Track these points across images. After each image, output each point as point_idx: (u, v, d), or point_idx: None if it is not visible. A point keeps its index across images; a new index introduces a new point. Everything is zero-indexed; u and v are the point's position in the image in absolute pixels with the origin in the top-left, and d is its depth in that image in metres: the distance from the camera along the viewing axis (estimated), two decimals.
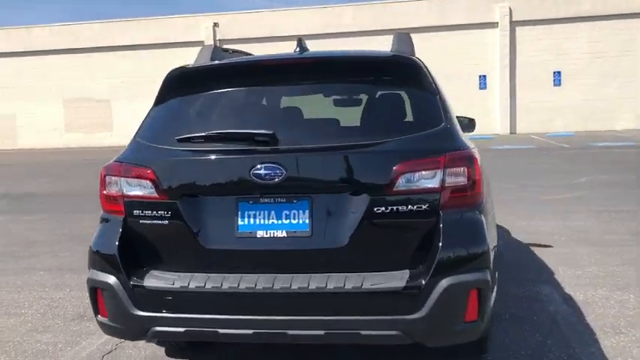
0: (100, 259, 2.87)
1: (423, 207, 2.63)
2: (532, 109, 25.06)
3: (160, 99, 3.12)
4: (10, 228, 8.60)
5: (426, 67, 3.03)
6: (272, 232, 2.70)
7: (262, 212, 2.72)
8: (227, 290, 2.63)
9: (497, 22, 25.17)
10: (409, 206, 2.62)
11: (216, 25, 26.63)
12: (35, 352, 3.87)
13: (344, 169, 2.67)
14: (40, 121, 28.48)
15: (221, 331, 2.67)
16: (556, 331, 3.82)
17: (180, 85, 3.09)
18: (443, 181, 2.64)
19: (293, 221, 2.69)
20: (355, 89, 3.09)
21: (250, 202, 2.73)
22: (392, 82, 2.98)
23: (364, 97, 3.11)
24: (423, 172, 2.64)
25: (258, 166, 2.66)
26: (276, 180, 2.65)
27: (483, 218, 2.73)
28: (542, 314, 4.14)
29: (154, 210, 2.79)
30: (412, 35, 3.28)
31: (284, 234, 2.69)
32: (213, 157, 2.78)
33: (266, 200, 2.72)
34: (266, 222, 2.71)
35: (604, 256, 5.63)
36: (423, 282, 2.56)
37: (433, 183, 2.64)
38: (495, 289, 2.97)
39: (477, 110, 25.08)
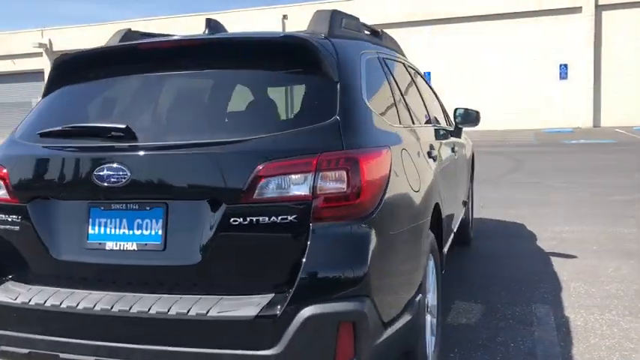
0: None
1: (290, 218, 2.15)
2: (619, 101, 23.12)
3: (46, 89, 2.83)
4: None
5: (333, 49, 2.53)
6: (122, 243, 2.32)
7: (113, 220, 2.35)
8: (66, 310, 2.28)
9: (581, 7, 23.37)
10: (272, 217, 2.16)
11: (285, 17, 26.52)
12: None
13: (199, 171, 2.24)
14: None
15: (62, 355, 2.33)
16: None
17: (63, 73, 2.77)
18: (314, 187, 2.16)
19: (145, 232, 2.30)
20: (238, 76, 2.63)
21: (102, 208, 2.37)
22: (280, 68, 2.50)
23: (246, 86, 2.65)
24: (291, 177, 2.16)
25: (100, 167, 2.29)
26: (121, 183, 2.27)
27: (373, 234, 2.21)
28: (523, 341, 3.51)
29: (6, 214, 2.49)
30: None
31: (134, 247, 2.31)
32: (65, 154, 2.44)
33: (118, 207, 2.34)
34: (117, 232, 2.34)
35: (635, 271, 4.82)
36: (279, 311, 2.09)
37: (302, 190, 2.16)
38: (403, 317, 2.43)
39: (556, 102, 23.58)
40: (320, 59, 2.42)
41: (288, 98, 2.49)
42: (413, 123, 3.41)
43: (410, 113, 3.40)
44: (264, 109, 2.51)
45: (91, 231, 2.36)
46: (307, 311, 2.07)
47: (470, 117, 4.94)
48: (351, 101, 2.43)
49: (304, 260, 2.12)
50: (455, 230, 4.40)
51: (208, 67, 2.54)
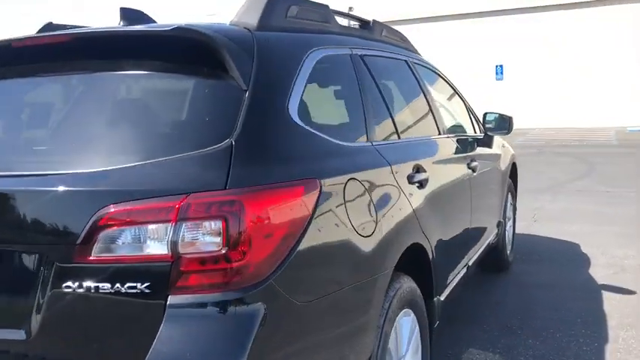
0: None
1: (140, 287, 1.52)
2: None
3: None
4: None
5: (253, 46, 1.88)
6: None
7: None
8: None
9: None
10: (116, 285, 1.53)
11: (350, 9, 25.79)
12: None
13: (28, 214, 1.66)
14: None
15: None
16: None
17: None
18: (175, 243, 1.52)
19: None
20: (111, 82, 1.98)
21: None
22: (167, 71, 1.86)
23: (118, 96, 2.01)
24: (144, 227, 1.54)
25: None
26: None
27: (263, 309, 1.55)
28: None
29: None
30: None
31: None
32: None
33: None
34: None
35: None
36: None
37: (158, 247, 1.53)
38: None
39: (635, 98, 21.48)
40: (223, 59, 1.77)
41: (171, 114, 1.85)
42: (398, 137, 2.70)
43: (394, 124, 2.69)
44: (133, 128, 1.88)
45: None
46: None
47: (502, 123, 4.20)
48: (263, 117, 1.77)
49: (151, 348, 1.50)
50: (471, 263, 3.62)
51: (80, 69, 1.96)
